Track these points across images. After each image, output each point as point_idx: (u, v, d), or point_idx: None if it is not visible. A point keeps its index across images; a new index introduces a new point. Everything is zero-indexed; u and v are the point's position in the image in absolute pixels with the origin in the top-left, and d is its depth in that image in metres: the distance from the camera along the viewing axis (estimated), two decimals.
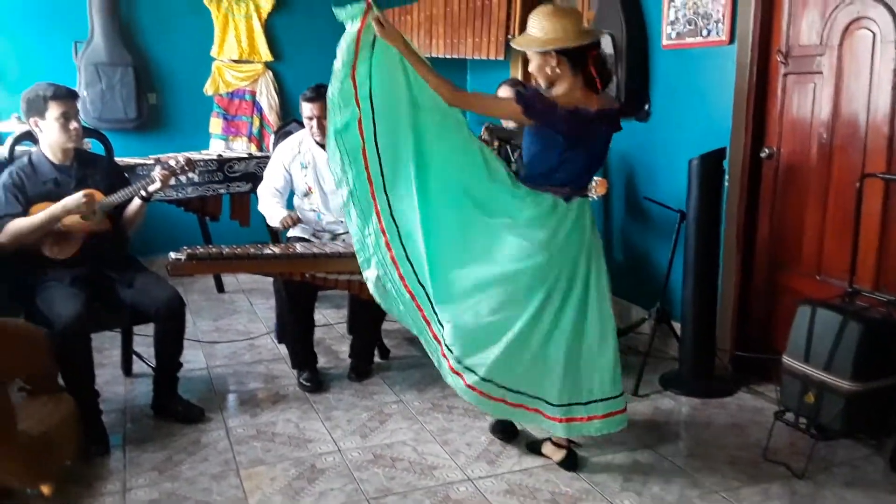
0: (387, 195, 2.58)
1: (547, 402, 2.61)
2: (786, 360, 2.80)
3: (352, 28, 2.45)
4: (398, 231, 2.60)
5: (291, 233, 3.71)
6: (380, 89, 2.51)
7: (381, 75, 2.50)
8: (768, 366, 3.35)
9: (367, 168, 2.56)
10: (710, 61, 3.64)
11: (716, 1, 3.53)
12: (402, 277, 2.60)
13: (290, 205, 3.77)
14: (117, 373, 3.60)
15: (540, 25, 2.48)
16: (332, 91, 2.51)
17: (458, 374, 2.61)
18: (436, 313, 2.61)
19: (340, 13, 2.46)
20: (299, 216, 3.65)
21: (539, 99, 2.48)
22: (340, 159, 2.56)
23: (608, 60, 2.65)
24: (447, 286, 2.58)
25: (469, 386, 2.60)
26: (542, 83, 2.55)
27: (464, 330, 2.58)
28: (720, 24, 3.52)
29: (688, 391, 3.40)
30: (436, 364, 2.72)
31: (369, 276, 2.66)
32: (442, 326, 2.61)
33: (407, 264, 2.60)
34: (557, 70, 2.48)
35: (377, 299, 2.69)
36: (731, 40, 3.48)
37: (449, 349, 2.60)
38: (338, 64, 2.48)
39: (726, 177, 3.42)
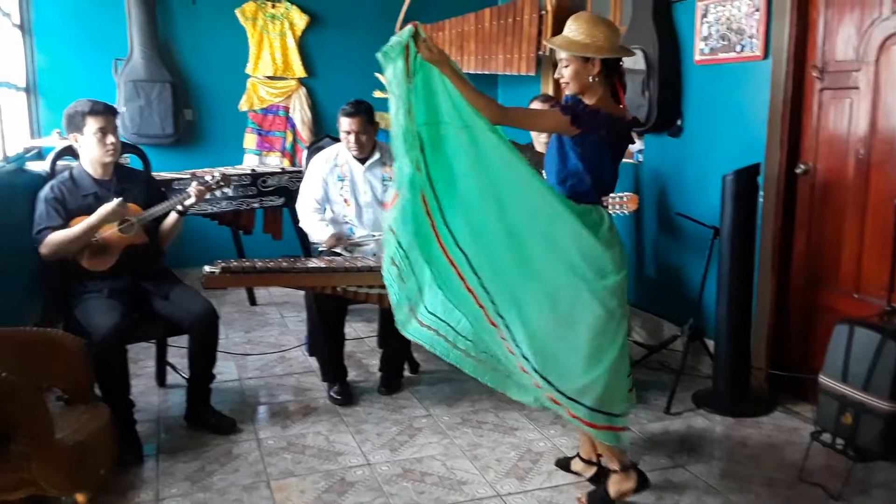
0: (449, 229, 2.43)
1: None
2: (822, 379, 2.75)
3: (398, 65, 2.31)
4: (468, 261, 2.43)
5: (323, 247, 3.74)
6: (425, 118, 2.39)
7: (426, 102, 2.38)
8: (805, 385, 3.29)
9: (425, 205, 2.42)
10: (743, 77, 3.61)
11: (750, 16, 3.51)
12: (481, 306, 2.44)
13: None
14: (151, 383, 3.65)
15: (587, 31, 2.42)
16: (397, 135, 2.35)
17: (559, 403, 2.46)
18: (518, 346, 2.42)
19: (390, 52, 2.30)
20: (341, 235, 3.64)
21: (584, 106, 2.44)
22: (405, 203, 2.38)
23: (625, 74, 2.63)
24: (532, 314, 2.41)
25: (575, 416, 2.45)
26: (573, 90, 2.49)
27: (560, 360, 2.42)
28: (754, 40, 3.50)
29: (722, 410, 3.36)
30: (519, 394, 2.58)
31: (404, 308, 2.58)
32: (527, 359, 2.42)
33: (483, 292, 2.43)
34: (596, 78, 2.45)
35: (411, 333, 2.60)
36: (766, 56, 3.45)
37: (547, 381, 2.42)
38: (395, 105, 2.33)
39: (761, 193, 3.38)
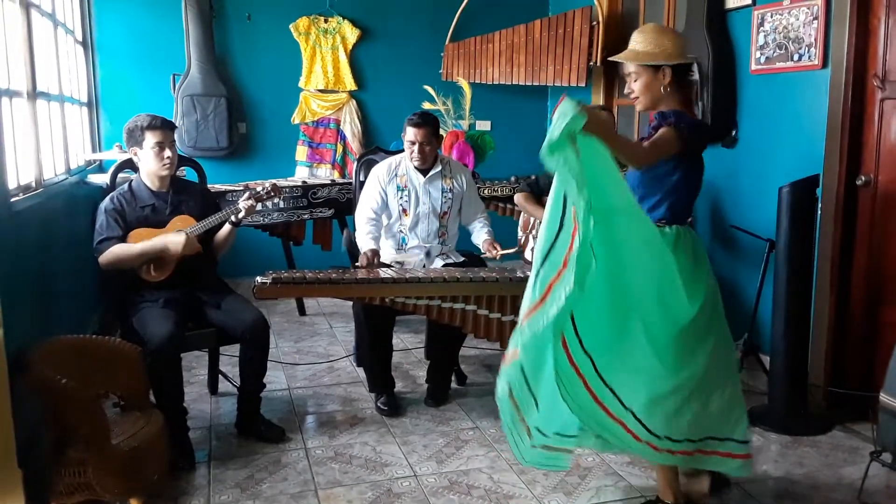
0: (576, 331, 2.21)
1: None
2: (883, 397, 2.65)
3: (569, 154, 1.99)
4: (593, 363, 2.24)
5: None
6: (600, 201, 2.08)
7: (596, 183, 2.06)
8: (865, 403, 3.18)
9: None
10: (801, 86, 3.53)
11: (808, 25, 3.43)
12: (586, 385, 2.24)
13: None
14: (204, 391, 3.72)
15: (653, 41, 2.37)
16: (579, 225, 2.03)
17: (656, 448, 2.34)
18: (624, 406, 2.28)
19: (558, 145, 1.98)
20: (378, 255, 3.63)
21: (687, 120, 2.32)
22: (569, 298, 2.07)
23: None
24: (619, 356, 2.27)
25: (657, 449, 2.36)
26: (645, 104, 2.41)
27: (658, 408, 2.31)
28: (812, 49, 3.41)
29: (778, 428, 3.26)
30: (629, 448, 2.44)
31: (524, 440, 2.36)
32: (637, 418, 2.29)
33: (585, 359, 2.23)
34: (668, 87, 2.38)
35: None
36: (825, 65, 3.37)
37: (650, 432, 2.30)
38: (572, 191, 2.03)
39: (819, 205, 3.29)
